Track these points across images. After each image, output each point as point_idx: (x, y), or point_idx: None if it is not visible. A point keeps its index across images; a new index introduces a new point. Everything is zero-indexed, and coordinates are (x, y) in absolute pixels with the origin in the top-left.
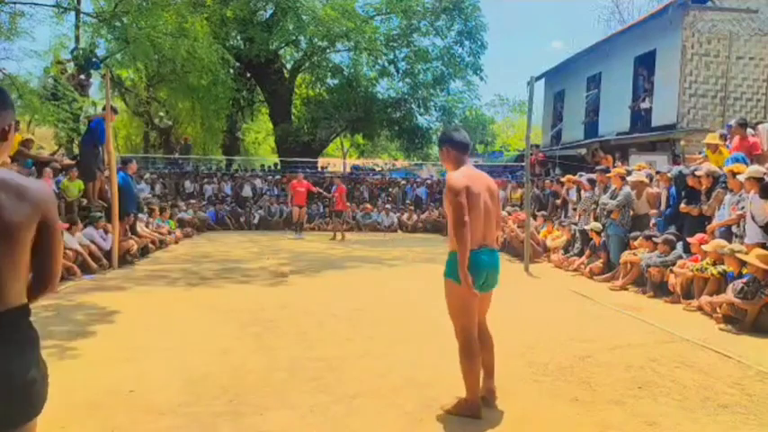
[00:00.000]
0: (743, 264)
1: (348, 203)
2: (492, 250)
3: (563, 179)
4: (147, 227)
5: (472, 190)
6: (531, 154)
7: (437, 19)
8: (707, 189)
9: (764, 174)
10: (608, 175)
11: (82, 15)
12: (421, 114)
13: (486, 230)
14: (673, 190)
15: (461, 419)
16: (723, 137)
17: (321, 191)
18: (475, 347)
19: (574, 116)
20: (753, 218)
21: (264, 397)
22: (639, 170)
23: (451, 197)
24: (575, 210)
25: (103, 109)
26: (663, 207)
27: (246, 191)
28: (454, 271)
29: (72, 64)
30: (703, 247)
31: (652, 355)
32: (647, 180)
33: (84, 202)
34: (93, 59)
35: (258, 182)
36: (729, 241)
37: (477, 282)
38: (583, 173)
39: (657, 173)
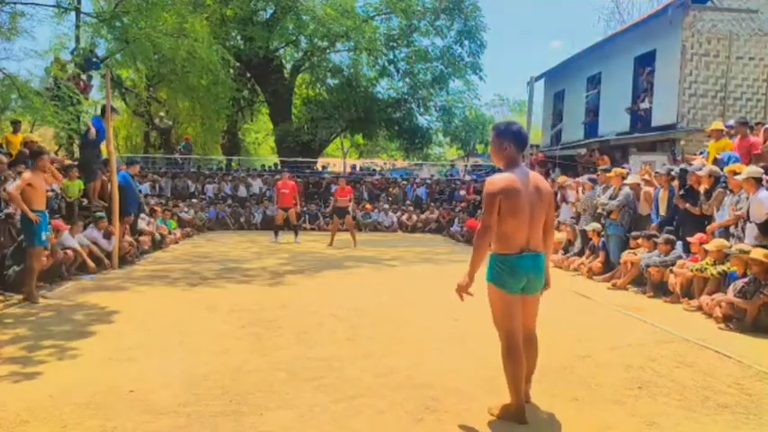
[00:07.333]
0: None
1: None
2: (536, 254)
3: (558, 180)
4: (147, 227)
5: (513, 192)
6: (531, 154)
7: (437, 19)
8: (707, 190)
9: (762, 173)
10: (608, 174)
11: (82, 15)
12: (421, 114)
13: (530, 234)
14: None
15: (462, 420)
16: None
17: (297, 201)
18: (518, 353)
19: (574, 116)
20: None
21: (264, 397)
22: (643, 172)
23: (486, 199)
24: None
25: (103, 109)
26: (662, 209)
27: (246, 191)
28: (493, 274)
29: (72, 64)
30: (705, 246)
31: (652, 355)
32: (642, 182)
33: (85, 202)
34: (94, 59)
35: (259, 182)
36: (728, 241)
37: (516, 285)
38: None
39: (656, 173)
